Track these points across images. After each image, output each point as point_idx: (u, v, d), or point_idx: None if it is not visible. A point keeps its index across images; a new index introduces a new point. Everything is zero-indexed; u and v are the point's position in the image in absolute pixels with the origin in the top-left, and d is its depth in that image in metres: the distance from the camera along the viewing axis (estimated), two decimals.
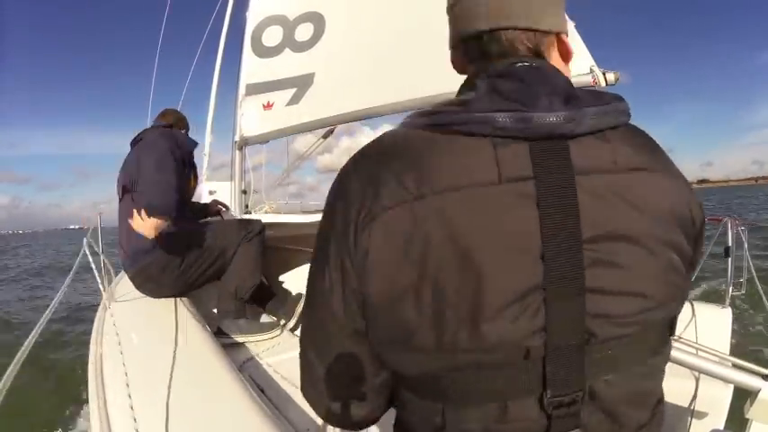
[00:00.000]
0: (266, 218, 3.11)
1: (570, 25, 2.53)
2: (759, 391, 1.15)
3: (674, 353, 1.19)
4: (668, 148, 0.69)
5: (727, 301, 2.39)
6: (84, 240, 2.56)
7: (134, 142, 2.65)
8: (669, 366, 1.27)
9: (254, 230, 2.65)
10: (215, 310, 2.71)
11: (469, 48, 0.70)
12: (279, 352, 2.48)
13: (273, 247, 2.99)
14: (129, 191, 2.47)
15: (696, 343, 1.23)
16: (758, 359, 1.24)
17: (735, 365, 1.22)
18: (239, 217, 3.04)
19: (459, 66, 0.75)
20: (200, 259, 2.51)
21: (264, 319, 2.85)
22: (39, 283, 13.10)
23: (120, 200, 2.53)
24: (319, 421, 1.83)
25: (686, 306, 2.19)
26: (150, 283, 2.44)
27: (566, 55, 0.71)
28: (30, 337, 1.35)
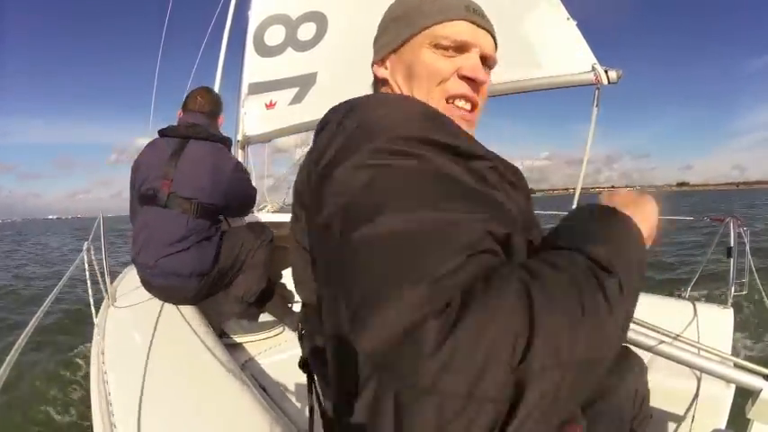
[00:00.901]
0: (270, 217, 3.10)
1: (571, 24, 2.54)
2: (760, 392, 1.15)
3: (675, 351, 1.19)
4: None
5: (729, 301, 2.39)
6: (85, 245, 2.55)
7: (169, 135, 2.48)
8: (670, 366, 1.27)
9: (266, 239, 2.65)
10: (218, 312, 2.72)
11: None
12: (280, 351, 2.48)
13: (275, 246, 3.00)
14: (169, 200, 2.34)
15: (698, 342, 1.23)
16: (760, 359, 1.24)
17: (736, 365, 1.22)
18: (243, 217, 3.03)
19: None
20: (222, 276, 2.50)
21: (265, 318, 2.85)
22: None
23: (158, 205, 2.36)
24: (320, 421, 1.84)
25: (688, 306, 2.18)
26: (169, 298, 2.38)
27: (377, 81, 0.95)
28: (21, 337, 1.35)
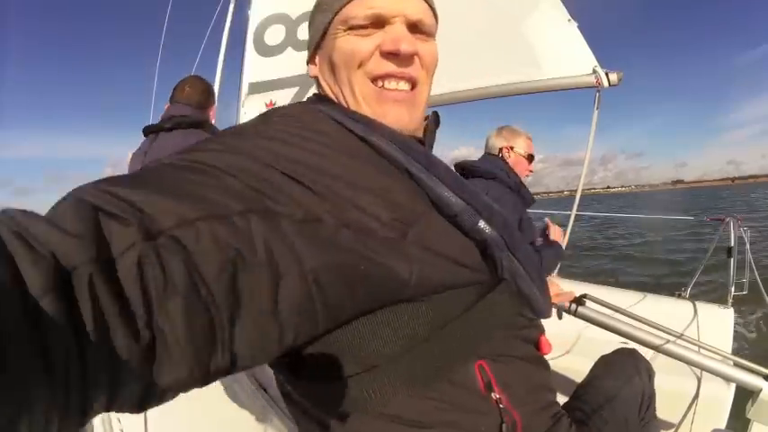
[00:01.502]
0: None
1: (572, 26, 2.53)
2: (760, 392, 1.15)
3: (676, 349, 1.19)
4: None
5: (730, 301, 2.39)
6: None
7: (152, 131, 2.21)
8: (671, 365, 1.28)
9: None
10: None
11: None
12: None
13: None
14: None
15: (699, 341, 1.23)
16: (760, 360, 1.23)
17: (737, 364, 1.22)
18: None
19: None
20: None
21: None
22: None
23: None
24: None
25: (688, 306, 2.18)
26: None
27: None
28: None
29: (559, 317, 1.40)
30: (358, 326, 0.61)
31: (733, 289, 2.53)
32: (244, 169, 0.53)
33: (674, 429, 1.81)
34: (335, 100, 0.78)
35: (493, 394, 0.70)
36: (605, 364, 1.22)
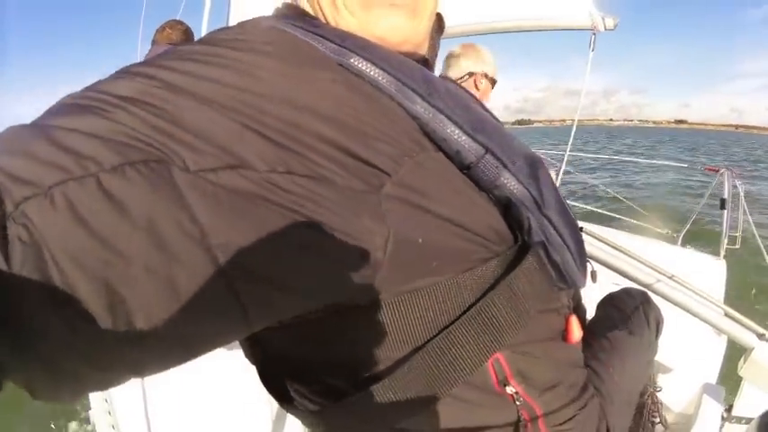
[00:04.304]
0: None
1: None
2: (752, 350, 1.12)
3: (667, 290, 1.12)
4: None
5: (722, 254, 2.36)
6: None
7: None
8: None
9: None
10: None
11: None
12: None
13: None
14: None
15: (690, 285, 1.16)
16: (753, 318, 1.19)
17: (728, 315, 1.17)
18: None
19: None
20: None
21: None
22: None
23: None
24: None
25: (680, 252, 2.14)
26: None
27: None
28: None
29: (593, 279, 1.22)
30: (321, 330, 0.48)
31: (726, 241, 2.48)
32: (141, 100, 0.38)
33: (664, 383, 1.78)
34: (312, 12, 0.56)
35: (508, 388, 0.56)
36: (613, 307, 1.02)
